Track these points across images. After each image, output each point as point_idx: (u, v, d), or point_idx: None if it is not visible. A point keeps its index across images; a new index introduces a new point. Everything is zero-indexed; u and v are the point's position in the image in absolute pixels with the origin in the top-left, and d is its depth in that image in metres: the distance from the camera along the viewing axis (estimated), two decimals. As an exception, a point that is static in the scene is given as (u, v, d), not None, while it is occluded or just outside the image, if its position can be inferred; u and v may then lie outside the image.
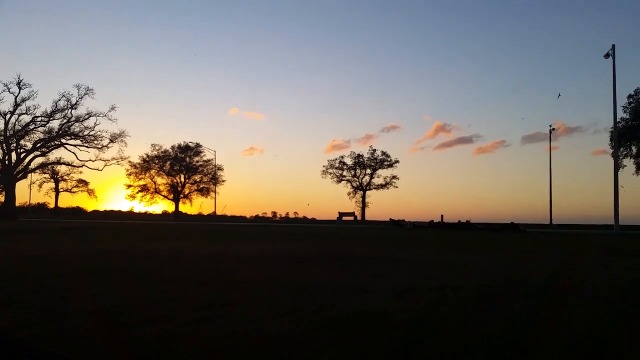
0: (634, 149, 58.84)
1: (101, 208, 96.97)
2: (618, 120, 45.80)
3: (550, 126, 59.72)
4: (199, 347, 3.69)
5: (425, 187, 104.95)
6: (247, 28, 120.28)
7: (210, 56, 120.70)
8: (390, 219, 48.58)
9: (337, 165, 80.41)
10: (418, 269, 9.15)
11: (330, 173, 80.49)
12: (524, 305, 5.56)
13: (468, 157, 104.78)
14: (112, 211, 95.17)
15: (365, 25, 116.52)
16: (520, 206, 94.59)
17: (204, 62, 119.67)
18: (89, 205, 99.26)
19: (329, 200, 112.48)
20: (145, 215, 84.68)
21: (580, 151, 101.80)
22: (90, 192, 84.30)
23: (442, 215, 47.28)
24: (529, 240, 21.70)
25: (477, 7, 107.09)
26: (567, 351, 3.70)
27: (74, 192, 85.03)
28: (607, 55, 36.56)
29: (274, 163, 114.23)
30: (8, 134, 58.36)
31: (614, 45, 35.92)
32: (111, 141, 64.45)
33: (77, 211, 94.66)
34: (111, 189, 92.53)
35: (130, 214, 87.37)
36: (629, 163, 58.73)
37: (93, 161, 65.37)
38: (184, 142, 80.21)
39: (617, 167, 39.65)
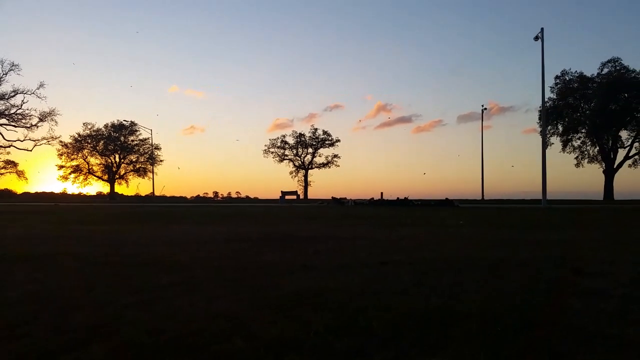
0: (560, 128, 62.22)
1: (32, 190, 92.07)
2: (546, 100, 48.22)
3: (482, 106, 62.21)
4: (139, 330, 3.67)
5: (367, 165, 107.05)
6: (189, 4, 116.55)
7: (148, 32, 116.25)
8: (332, 197, 49.19)
9: (278, 144, 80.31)
10: (358, 246, 9.40)
11: (272, 152, 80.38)
12: (454, 279, 5.87)
13: (407, 136, 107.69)
14: (44, 193, 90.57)
15: (310, 3, 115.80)
16: (456, 182, 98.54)
17: (142, 38, 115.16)
18: (19, 187, 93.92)
19: (272, 179, 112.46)
20: (79, 197, 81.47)
21: (512, 130, 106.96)
22: (20, 174, 79.61)
23: (381, 193, 48.46)
24: (462, 215, 22.66)
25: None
26: (491, 320, 3.97)
27: (1, 174, 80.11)
28: (536, 38, 38.21)
29: (216, 142, 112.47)
30: None
31: (542, 29, 37.56)
32: (40, 120, 61.43)
33: (5, 194, 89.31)
34: (42, 170, 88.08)
35: (64, 196, 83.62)
36: (556, 141, 62.18)
37: (22, 141, 62.15)
38: (118, 120, 77.23)
39: (545, 145, 41.88)
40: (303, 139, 79.58)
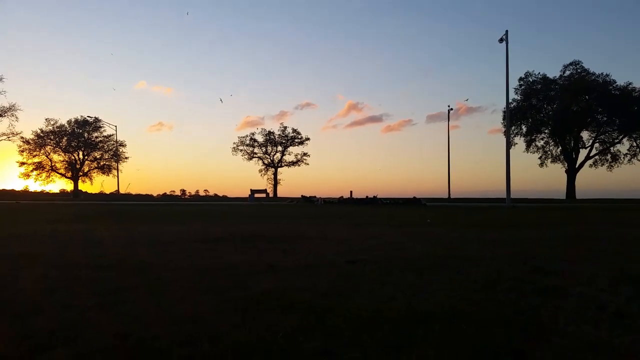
0: (524, 128, 63.76)
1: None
2: (510, 101, 49.39)
3: (448, 106, 63.05)
4: (102, 334, 3.61)
5: (337, 163, 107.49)
6: (157, 0, 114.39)
7: (115, 27, 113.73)
8: (302, 195, 49.22)
9: (247, 142, 79.81)
10: (325, 246, 9.44)
11: (241, 150, 79.82)
12: (419, 278, 5.97)
13: (377, 135, 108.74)
14: (3, 190, 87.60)
15: (283, 2, 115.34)
16: (424, 181, 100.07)
17: (109, 33, 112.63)
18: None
19: (241, 177, 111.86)
20: (42, 195, 79.18)
21: (478, 130, 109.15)
22: (-21, 171, 76.94)
23: (351, 191, 48.80)
24: (429, 214, 23.02)
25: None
26: (454, 318, 4.06)
27: (-42, 170, 77.25)
28: (501, 40, 39.08)
29: (183, 139, 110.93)
30: None
31: (507, 31, 38.44)
32: (0, 115, 59.14)
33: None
34: (3, 167, 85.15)
35: (25, 194, 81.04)
36: (519, 141, 63.73)
37: (-20, 136, 59.73)
38: (82, 116, 75.26)
39: (509, 145, 42.88)
40: (272, 137, 79.31)
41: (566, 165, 62.70)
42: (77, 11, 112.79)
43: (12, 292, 5.10)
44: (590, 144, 62.39)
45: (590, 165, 62.56)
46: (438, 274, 6.22)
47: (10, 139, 63.75)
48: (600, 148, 62.48)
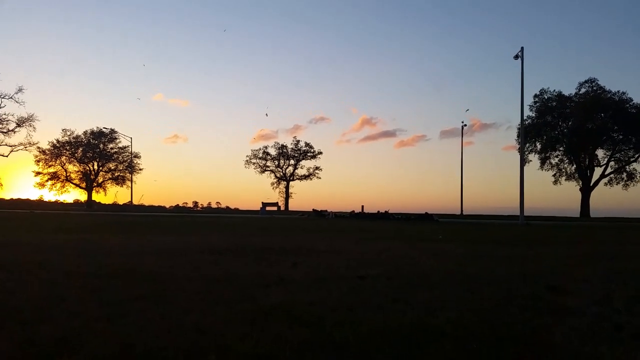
0: (538, 145, 63.18)
1: (7, 197, 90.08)
2: (525, 118, 49.06)
3: (462, 122, 62.75)
4: (108, 344, 3.58)
5: (349, 178, 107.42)
6: (176, 14, 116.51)
7: (137, 40, 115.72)
8: (313, 209, 49.13)
9: (260, 155, 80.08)
10: (336, 259, 9.37)
11: (254, 163, 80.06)
12: (430, 294, 5.88)
13: (390, 150, 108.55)
14: (19, 200, 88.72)
15: (298, 17, 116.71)
16: (436, 197, 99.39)
17: (129, 45, 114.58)
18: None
19: (253, 190, 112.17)
20: (56, 205, 79.97)
21: (492, 146, 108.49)
22: (-5, 180, 77.88)
23: (362, 206, 48.52)
24: (441, 229, 22.81)
25: (402, 9, 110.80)
26: (466, 337, 3.97)
27: (-25, 180, 78.15)
28: (516, 57, 38.92)
29: (198, 152, 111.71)
30: None
31: (522, 48, 38.31)
32: (18, 125, 60.38)
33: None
34: (19, 176, 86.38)
35: (40, 203, 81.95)
36: (534, 158, 63.11)
37: (-3, 146, 60.75)
38: (98, 127, 76.17)
39: (523, 162, 42.50)
40: (285, 150, 79.51)
41: (581, 183, 61.95)
42: (97, 24, 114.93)
43: (21, 299, 5.11)
44: (605, 162, 61.64)
45: (606, 184, 61.74)
46: (449, 290, 6.12)
47: (27, 148, 64.65)
48: (616, 166, 61.68)
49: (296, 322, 4.28)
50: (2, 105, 59.79)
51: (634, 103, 58.60)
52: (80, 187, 77.15)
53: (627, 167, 61.43)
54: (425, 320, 4.49)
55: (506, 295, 5.85)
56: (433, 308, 5.03)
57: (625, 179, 61.14)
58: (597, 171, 62.02)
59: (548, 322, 4.56)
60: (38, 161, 73.30)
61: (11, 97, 57.76)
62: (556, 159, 63.38)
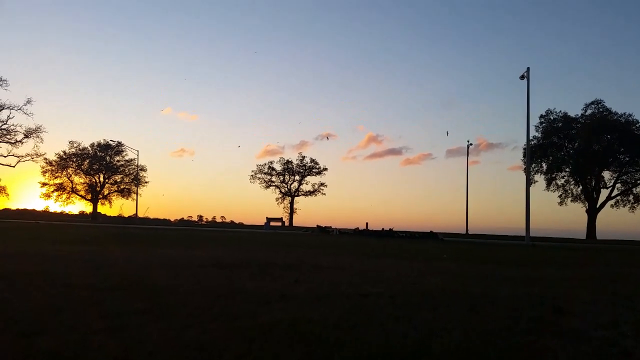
0: (544, 166, 62.96)
1: (13, 207, 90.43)
2: (531, 138, 48.88)
3: (468, 141, 62.41)
4: (104, 358, 3.53)
5: (354, 194, 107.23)
6: (185, 28, 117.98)
7: (146, 52, 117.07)
8: (317, 225, 48.96)
9: (265, 170, 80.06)
10: (339, 276, 9.28)
11: (259, 178, 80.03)
12: (433, 314, 5.79)
13: (396, 168, 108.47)
14: (25, 210, 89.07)
15: (305, 33, 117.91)
16: (441, 216, 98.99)
17: (141, 59, 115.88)
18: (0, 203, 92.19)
19: (258, 205, 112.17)
20: (61, 216, 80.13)
21: (498, 166, 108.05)
22: (1, 190, 78.24)
23: (367, 223, 48.30)
24: (446, 249, 22.64)
25: (411, 29, 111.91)
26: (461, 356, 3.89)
27: (-19, 190, 78.50)
28: (522, 77, 38.99)
29: (204, 166, 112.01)
30: None
31: (528, 68, 38.37)
32: (26, 136, 60.76)
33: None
34: (25, 187, 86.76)
35: (45, 214, 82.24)
36: (540, 179, 62.81)
37: (5, 157, 61.23)
38: (104, 140, 76.65)
39: (529, 182, 42.30)
40: (290, 166, 79.56)
41: (587, 204, 61.55)
42: (106, 37, 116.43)
43: (21, 311, 5.07)
44: (611, 184, 61.26)
45: (612, 206, 61.23)
46: (453, 310, 6.03)
47: (34, 159, 65.10)
48: (622, 189, 61.27)
49: (296, 340, 4.21)
50: (11, 116, 60.33)
51: (640, 125, 58.42)
52: (86, 199, 77.32)
53: (634, 189, 61.03)
54: (428, 341, 4.40)
55: (511, 316, 5.75)
56: (436, 329, 4.94)
57: (632, 201, 60.66)
58: (604, 193, 61.59)
59: (553, 345, 4.47)
60: (44, 172, 73.61)
61: (20, 109, 58.28)
62: (562, 180, 63.05)
